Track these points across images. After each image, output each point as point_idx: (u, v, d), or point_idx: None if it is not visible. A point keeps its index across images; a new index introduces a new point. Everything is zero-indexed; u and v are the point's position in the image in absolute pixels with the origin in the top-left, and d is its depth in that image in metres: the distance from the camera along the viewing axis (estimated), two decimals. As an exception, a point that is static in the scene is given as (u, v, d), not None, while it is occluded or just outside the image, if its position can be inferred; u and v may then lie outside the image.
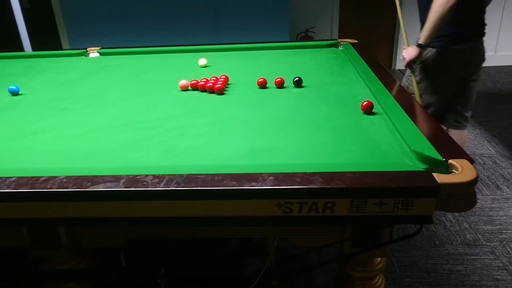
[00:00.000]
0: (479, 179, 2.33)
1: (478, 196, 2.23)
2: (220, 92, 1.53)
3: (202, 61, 1.97)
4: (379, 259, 1.11)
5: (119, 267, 0.98)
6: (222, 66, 1.96)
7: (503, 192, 2.28)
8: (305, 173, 0.84)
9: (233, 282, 1.05)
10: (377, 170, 0.86)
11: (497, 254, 1.80)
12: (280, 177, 0.84)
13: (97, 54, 2.39)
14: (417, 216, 0.82)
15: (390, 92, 1.35)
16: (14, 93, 1.64)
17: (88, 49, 2.43)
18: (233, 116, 1.29)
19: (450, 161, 0.87)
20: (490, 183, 2.38)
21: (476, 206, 2.10)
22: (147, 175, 0.86)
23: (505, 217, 2.05)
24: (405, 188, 0.79)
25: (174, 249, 1.07)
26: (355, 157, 0.98)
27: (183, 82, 1.60)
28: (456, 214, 2.01)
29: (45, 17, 4.30)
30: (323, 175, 0.84)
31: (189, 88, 1.60)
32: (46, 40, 4.40)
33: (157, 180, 0.84)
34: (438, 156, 0.89)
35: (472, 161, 0.87)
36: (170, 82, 1.69)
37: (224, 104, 1.42)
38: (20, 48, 4.27)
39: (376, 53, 5.16)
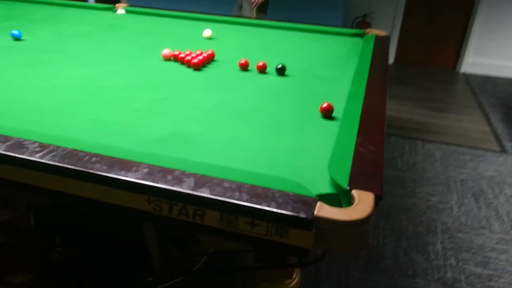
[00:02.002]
0: (493, 212, 1.99)
1: (485, 231, 1.92)
2: (197, 67, 1.46)
3: (207, 33, 1.90)
4: (291, 278, 1.01)
5: (25, 228, 0.99)
6: (225, 40, 1.88)
7: (519, 234, 1.94)
8: (183, 172, 0.77)
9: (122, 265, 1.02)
10: (268, 186, 0.76)
11: (474, 302, 1.54)
12: (155, 171, 0.77)
13: (123, 11, 2.41)
14: (293, 246, 0.72)
15: (366, 97, 1.19)
16: (16, 38, 1.71)
17: (116, 5, 2.46)
18: (188, 96, 1.23)
19: (353, 191, 0.74)
20: (506, 219, 2.02)
21: (476, 243, 1.83)
22: (34, 142, 0.84)
23: (504, 262, 1.71)
24: (276, 213, 0.69)
25: (89, 222, 1.06)
26: (264, 165, 0.87)
27: (166, 51, 1.55)
28: (447, 246, 1.76)
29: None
30: (199, 178, 0.75)
31: (172, 58, 1.55)
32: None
33: (39, 148, 0.82)
34: (344, 183, 0.76)
35: (380, 198, 0.73)
36: (160, 49, 1.66)
37: (191, 82, 1.35)
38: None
39: (440, 51, 4.67)
